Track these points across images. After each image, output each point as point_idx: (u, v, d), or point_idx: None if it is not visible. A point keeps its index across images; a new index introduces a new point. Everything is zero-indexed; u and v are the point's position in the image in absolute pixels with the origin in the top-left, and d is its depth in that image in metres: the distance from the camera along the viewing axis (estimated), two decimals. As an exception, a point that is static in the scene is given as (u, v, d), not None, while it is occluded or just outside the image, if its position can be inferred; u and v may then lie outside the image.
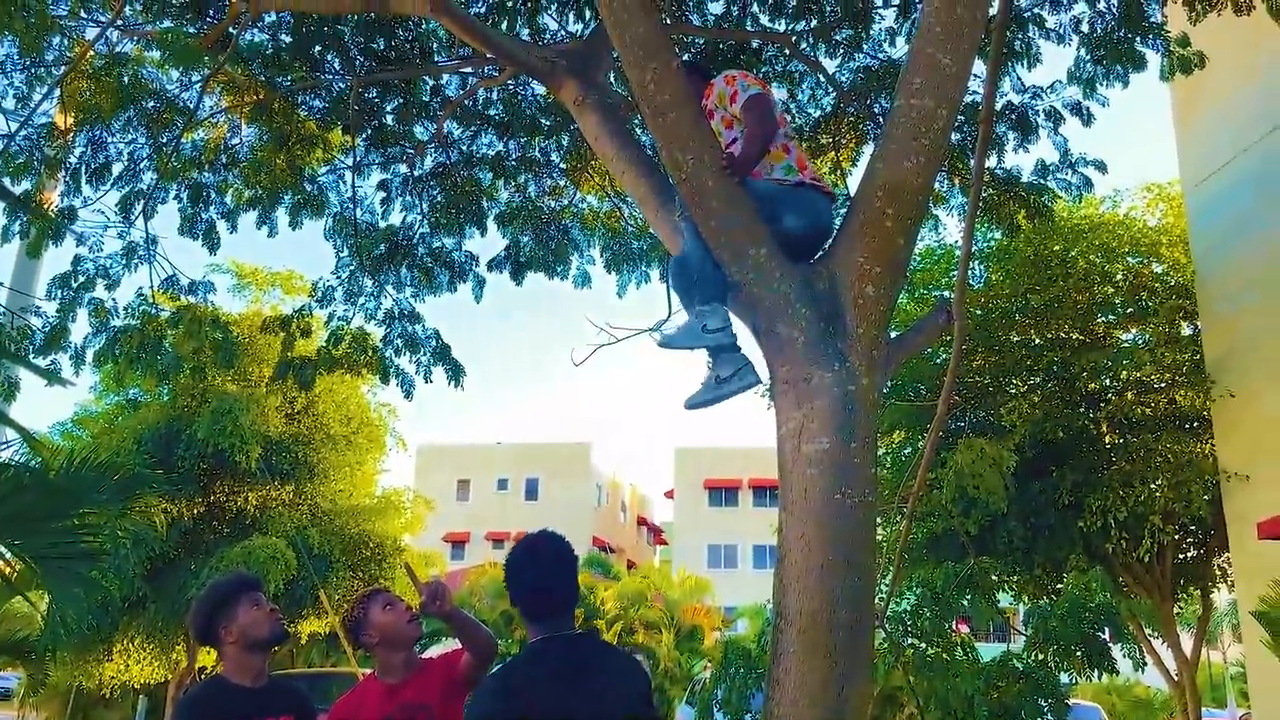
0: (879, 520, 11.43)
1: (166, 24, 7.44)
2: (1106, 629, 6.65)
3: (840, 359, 3.42)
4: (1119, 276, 11.26)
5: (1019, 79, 8.37)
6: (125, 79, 7.81)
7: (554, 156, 9.49)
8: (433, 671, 3.32)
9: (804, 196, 3.76)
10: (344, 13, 7.09)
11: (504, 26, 7.94)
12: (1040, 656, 6.58)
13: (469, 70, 8.21)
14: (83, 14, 7.94)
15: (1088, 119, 8.20)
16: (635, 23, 3.35)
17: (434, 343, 8.77)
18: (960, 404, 11.82)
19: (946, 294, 11.93)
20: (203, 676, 14.98)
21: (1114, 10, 7.75)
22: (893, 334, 3.77)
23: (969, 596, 6.52)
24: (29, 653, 8.14)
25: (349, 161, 9.03)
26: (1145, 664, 6.64)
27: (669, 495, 51.17)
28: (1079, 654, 6.53)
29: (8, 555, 4.80)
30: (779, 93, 8.94)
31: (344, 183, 9.18)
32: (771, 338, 3.50)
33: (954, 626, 7.39)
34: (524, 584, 2.60)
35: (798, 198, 3.74)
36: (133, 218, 8.27)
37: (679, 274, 3.63)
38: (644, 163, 4.53)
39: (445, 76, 8.73)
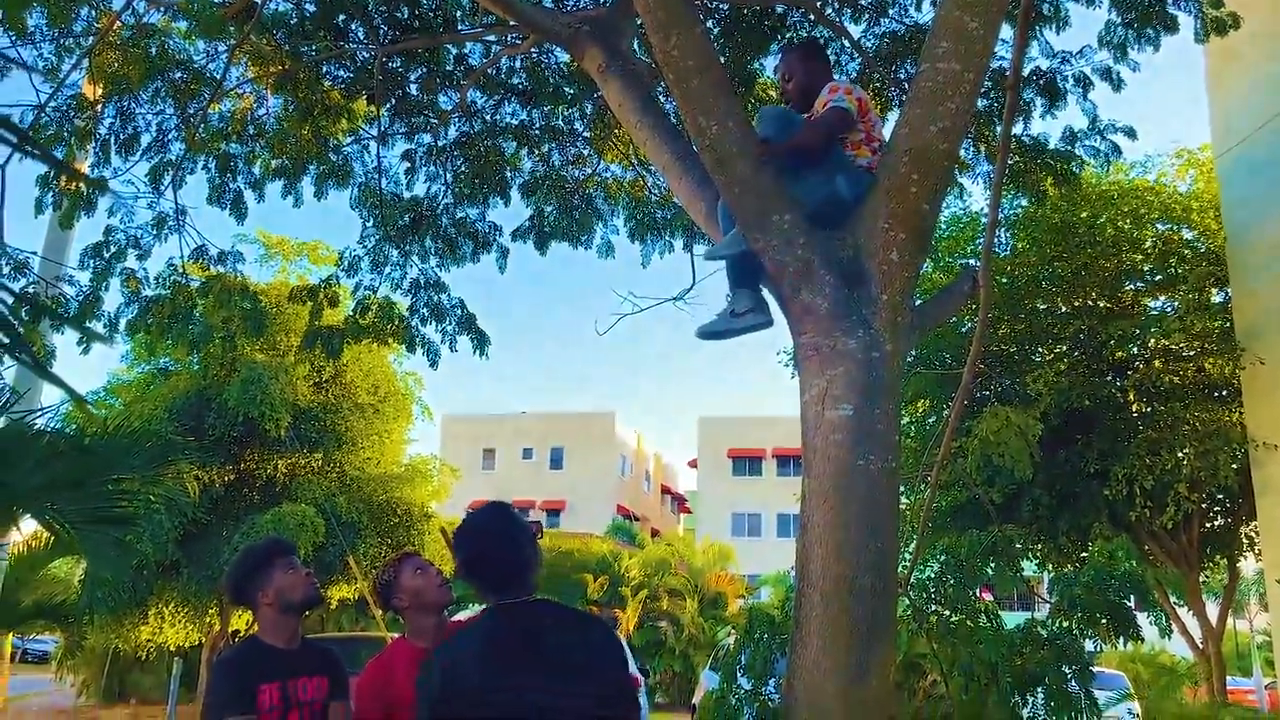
0: (904, 489, 11.46)
1: (192, -7, 7.46)
2: (1132, 597, 6.63)
3: (864, 325, 3.42)
4: (1148, 243, 11.13)
5: (1048, 43, 8.25)
6: (153, 50, 7.86)
7: (578, 125, 9.45)
8: None
9: (864, 175, 3.71)
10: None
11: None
12: (1065, 624, 6.57)
13: (492, 39, 8.20)
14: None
15: (1118, 84, 8.08)
16: (660, -10, 3.34)
17: (459, 312, 8.81)
18: (986, 372, 11.76)
19: (973, 262, 11.84)
20: (236, 639, 15.27)
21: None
22: (917, 302, 3.77)
23: (992, 564, 6.52)
24: (66, 617, 8.33)
25: (373, 132, 9.05)
26: (1171, 632, 6.62)
27: (693, 464, 51.34)
28: (1104, 621, 6.52)
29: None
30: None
31: (368, 153, 9.21)
32: (795, 304, 3.50)
33: (979, 594, 7.42)
34: (471, 556, 2.57)
35: (859, 174, 3.70)
36: (162, 188, 8.35)
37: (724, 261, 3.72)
38: (667, 130, 4.52)
39: (469, 45, 8.72)
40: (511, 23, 6.31)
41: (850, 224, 3.58)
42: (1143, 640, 6.42)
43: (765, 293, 3.75)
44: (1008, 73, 5.77)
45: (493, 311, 16.73)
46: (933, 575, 6.76)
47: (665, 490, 58.30)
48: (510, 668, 2.32)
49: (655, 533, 45.38)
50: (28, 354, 0.96)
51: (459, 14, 8.15)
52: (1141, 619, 6.78)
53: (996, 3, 3.51)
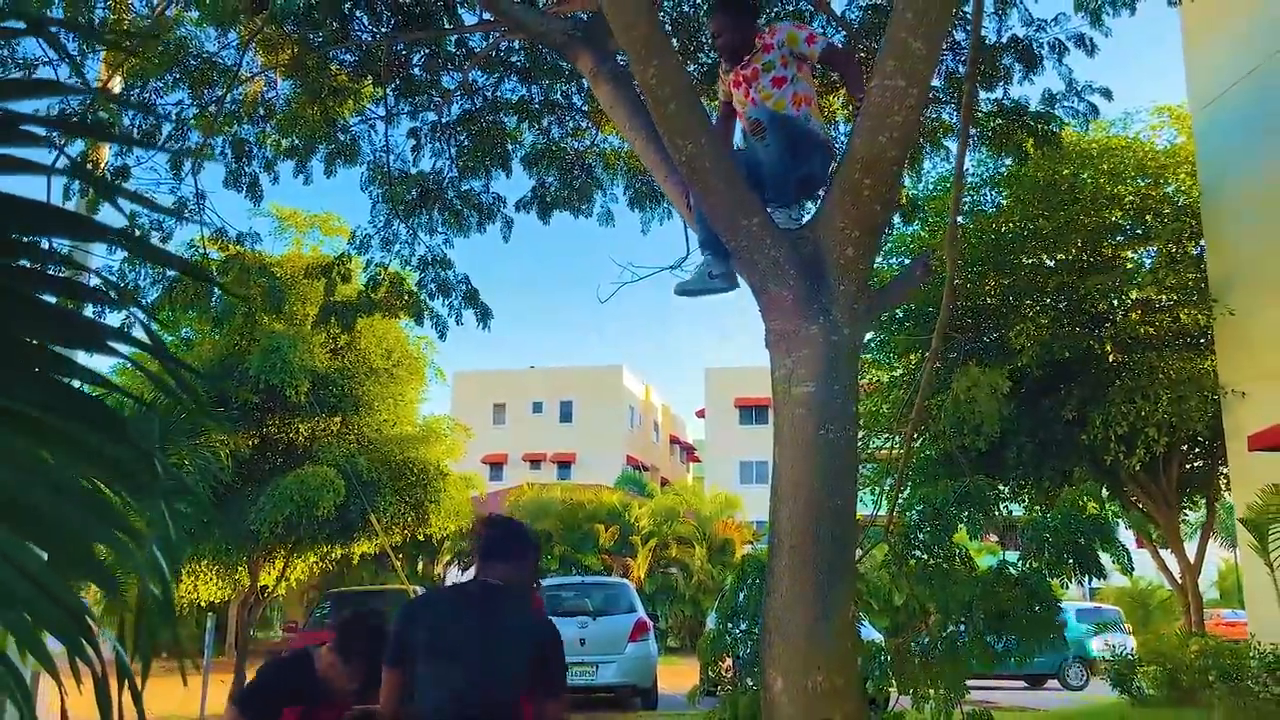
0: (895, 439, 12.00)
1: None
2: (1097, 538, 7.19)
3: (825, 313, 3.93)
4: (1127, 199, 11.54)
5: (1026, 10, 8.61)
6: (169, 43, 8.26)
7: (576, 99, 9.82)
8: None
9: (831, 149, 4.34)
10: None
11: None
12: (1034, 565, 7.15)
13: (491, 29, 8.58)
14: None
15: (1091, 50, 8.45)
16: (638, 25, 3.80)
17: (464, 287, 9.30)
18: (974, 325, 12.27)
19: (959, 219, 12.27)
20: (263, 595, 15.99)
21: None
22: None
23: (967, 512, 7.08)
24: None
25: (380, 112, 9.46)
26: (1132, 570, 7.20)
27: (700, 414, 52.01)
28: (1070, 562, 7.10)
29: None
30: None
31: (375, 132, 9.61)
32: (765, 295, 4.01)
33: (982, 536, 8.03)
34: (478, 541, 3.26)
35: (817, 151, 4.33)
36: (182, 175, 8.81)
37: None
38: (654, 131, 4.98)
39: (468, 22, 9.10)
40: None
41: (810, 223, 4.07)
42: (1105, 577, 6.98)
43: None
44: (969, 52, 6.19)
45: (500, 264, 17.21)
46: (913, 521, 7.34)
47: (674, 440, 59.08)
48: (451, 622, 3.03)
49: (665, 482, 46.18)
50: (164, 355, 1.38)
51: (459, 1, 8.55)
52: (1106, 559, 7.36)
53: (937, 26, 3.96)
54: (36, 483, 1.33)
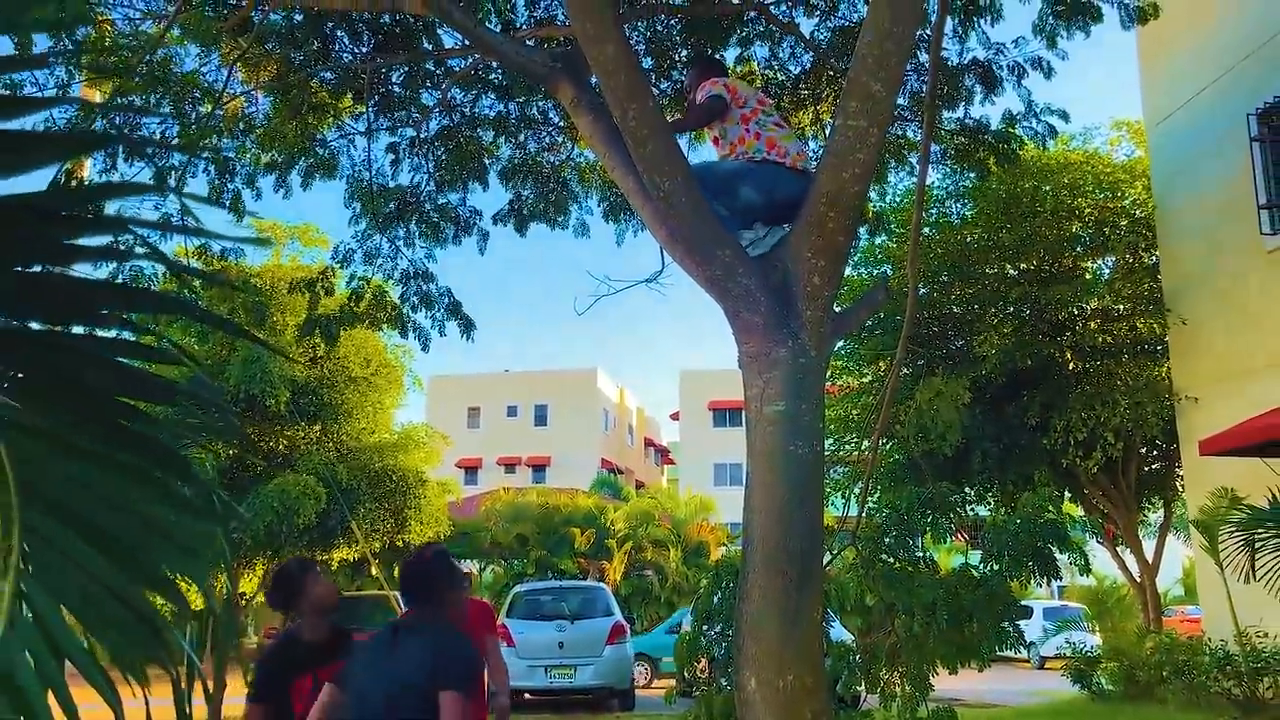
0: (859, 443, 12.35)
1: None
2: (1055, 541, 7.54)
3: (794, 337, 4.21)
4: (1086, 211, 11.95)
5: (985, 34, 8.95)
6: (151, 58, 8.42)
7: (552, 114, 10.06)
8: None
9: (766, 170, 4.61)
10: (355, 10, 7.70)
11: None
12: (995, 567, 7.49)
13: (472, 53, 8.81)
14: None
15: (1049, 73, 8.82)
16: (619, 72, 4.07)
17: (446, 300, 9.51)
18: (940, 333, 12.64)
19: (923, 232, 12.64)
20: (243, 604, 16.10)
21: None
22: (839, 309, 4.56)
23: (931, 516, 7.40)
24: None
25: (359, 127, 9.65)
26: (1089, 571, 7.56)
27: (675, 417, 52.33)
28: (1029, 564, 7.44)
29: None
30: (761, 51, 9.57)
31: (354, 146, 9.80)
32: (738, 320, 4.29)
33: (955, 534, 8.35)
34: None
35: (760, 171, 4.60)
36: (166, 192, 8.96)
37: None
38: (631, 160, 5.24)
39: (448, 45, 9.33)
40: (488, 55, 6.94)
41: (779, 252, 4.35)
42: (1060, 578, 7.33)
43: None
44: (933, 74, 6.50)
45: (473, 265, 17.42)
46: (881, 524, 7.66)
47: (649, 443, 59.37)
48: (360, 663, 3.32)
49: (640, 485, 46.45)
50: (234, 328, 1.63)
51: (439, 22, 8.76)
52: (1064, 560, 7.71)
53: (895, 70, 4.25)
54: (117, 512, 1.60)
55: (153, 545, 1.61)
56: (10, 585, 1.47)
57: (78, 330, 1.58)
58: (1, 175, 1.32)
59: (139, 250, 1.49)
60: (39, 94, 8.50)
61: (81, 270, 1.63)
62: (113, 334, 1.66)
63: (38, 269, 1.51)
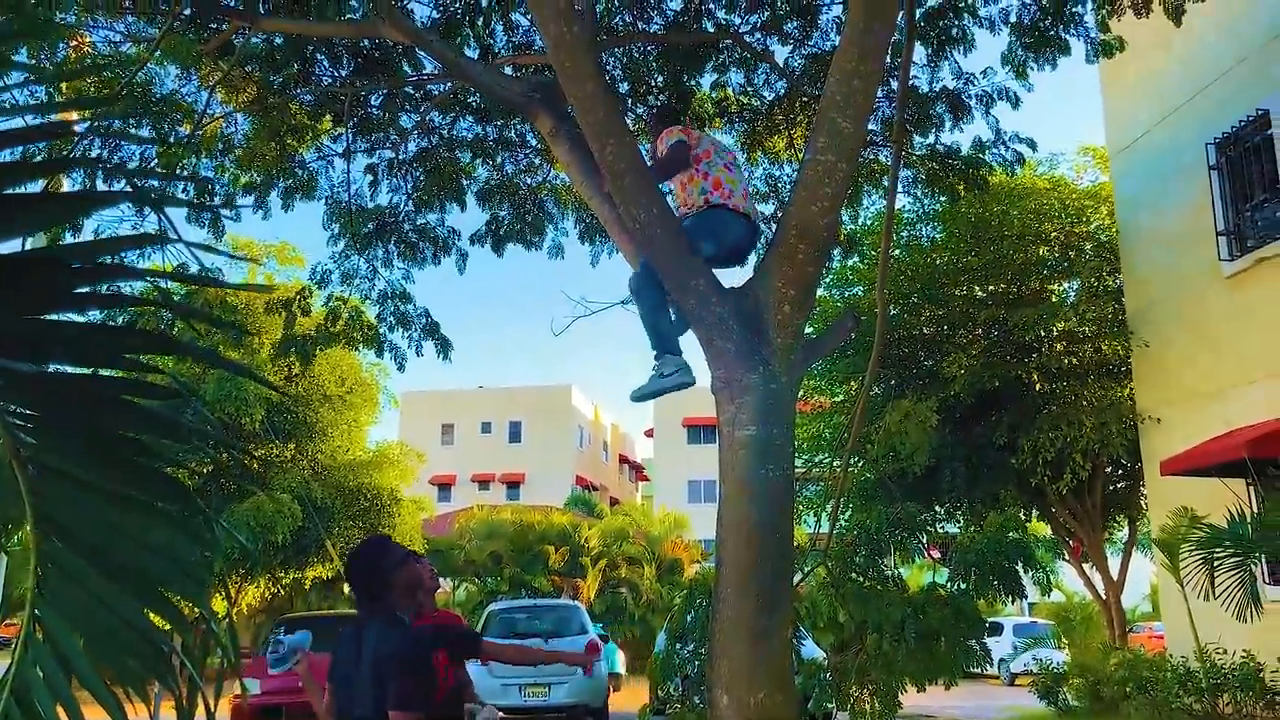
0: (831, 462, 12.51)
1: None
2: (1019, 560, 7.71)
3: (764, 364, 4.35)
4: (1053, 235, 12.23)
5: (956, 64, 9.18)
6: (132, 81, 8.48)
7: (529, 137, 10.19)
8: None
9: (711, 217, 4.75)
10: (336, 36, 7.81)
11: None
12: (962, 585, 7.65)
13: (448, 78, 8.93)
14: (89, 20, 8.62)
15: (1016, 103, 9.07)
16: (597, 108, 4.21)
17: (424, 320, 9.59)
18: (910, 354, 12.87)
19: (899, 253, 12.88)
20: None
21: (1040, 1, 8.56)
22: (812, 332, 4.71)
23: (899, 536, 7.55)
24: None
25: (338, 148, 9.74)
26: (1052, 589, 7.74)
27: (649, 434, 52.42)
28: (995, 583, 7.61)
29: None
30: (736, 77, 9.77)
31: (333, 168, 9.88)
32: (711, 348, 4.43)
33: (926, 551, 8.50)
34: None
35: (706, 220, 4.74)
36: (145, 211, 9.00)
37: (641, 307, 4.63)
38: (607, 193, 5.38)
39: (428, 69, 9.45)
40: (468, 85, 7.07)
41: (750, 282, 4.50)
42: (1025, 597, 7.50)
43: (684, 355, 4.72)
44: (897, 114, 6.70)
45: (449, 281, 17.50)
46: (847, 546, 7.81)
47: (623, 460, 59.40)
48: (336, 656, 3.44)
49: (614, 501, 46.45)
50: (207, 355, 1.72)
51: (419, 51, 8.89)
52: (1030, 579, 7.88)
53: (863, 108, 4.42)
54: (125, 541, 1.72)
55: (158, 571, 1.73)
56: (27, 609, 1.59)
57: (86, 371, 1.69)
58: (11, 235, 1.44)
59: (149, 297, 1.60)
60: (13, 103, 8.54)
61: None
62: (117, 374, 1.78)
63: (52, 316, 1.62)
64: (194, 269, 7.86)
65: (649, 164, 4.84)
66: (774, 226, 5.66)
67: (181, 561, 1.76)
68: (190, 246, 1.86)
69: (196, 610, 1.80)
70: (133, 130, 8.98)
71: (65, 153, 8.90)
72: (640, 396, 4.80)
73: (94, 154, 9.00)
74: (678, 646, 7.20)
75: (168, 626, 1.83)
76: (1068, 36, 8.62)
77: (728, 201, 4.81)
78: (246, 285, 7.85)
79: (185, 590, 1.75)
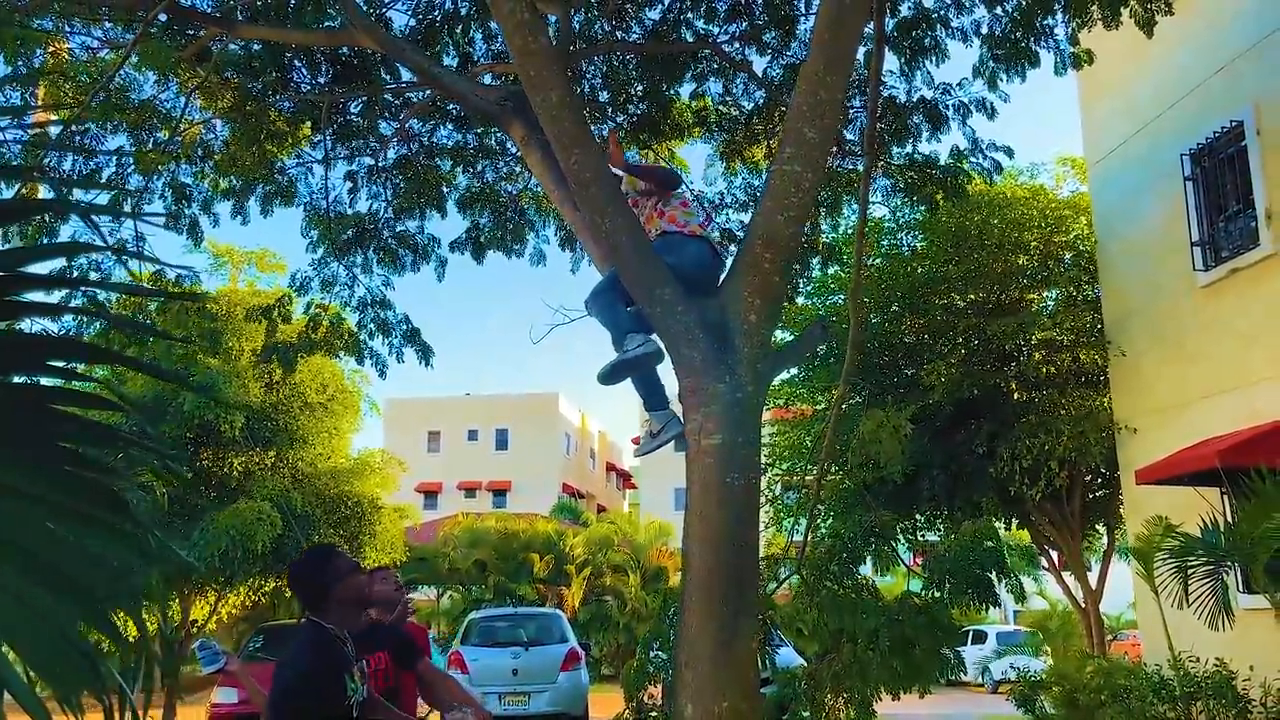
0: (811, 469, 12.53)
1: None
2: (993, 570, 7.76)
3: (731, 373, 4.37)
4: (1032, 245, 12.31)
5: (929, 74, 9.23)
6: (108, 87, 8.46)
7: (509, 145, 10.20)
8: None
9: (669, 239, 4.83)
10: (312, 44, 7.82)
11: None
12: (937, 594, 7.68)
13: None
14: (66, 26, 8.61)
15: (991, 114, 9.12)
16: (563, 119, 4.23)
17: (404, 326, 9.58)
18: (890, 362, 12.93)
19: (879, 262, 12.95)
20: (194, 631, 15.91)
21: (1010, 14, 8.63)
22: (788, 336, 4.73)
23: (873, 545, 7.59)
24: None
25: (317, 155, 9.72)
26: (1025, 597, 7.76)
27: (636, 441, 52.39)
28: (969, 591, 7.64)
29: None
30: (715, 87, 9.82)
31: (312, 174, 9.86)
32: (677, 356, 4.44)
33: (913, 560, 8.55)
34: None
35: (663, 241, 4.77)
36: (122, 217, 8.98)
37: (596, 309, 4.65)
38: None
39: (406, 77, 9.46)
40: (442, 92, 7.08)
41: (718, 292, 4.52)
42: (998, 604, 7.54)
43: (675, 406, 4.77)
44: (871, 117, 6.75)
45: (432, 288, 17.49)
46: (824, 552, 7.83)
47: (610, 467, 59.36)
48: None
49: (601, 509, 46.39)
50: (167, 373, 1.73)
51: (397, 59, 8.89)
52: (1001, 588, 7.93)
53: (829, 118, 4.46)
54: (61, 551, 1.71)
55: (93, 582, 1.72)
56: (-44, 620, 1.58)
57: (20, 379, 1.69)
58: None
59: (88, 305, 1.60)
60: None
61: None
62: (55, 383, 1.78)
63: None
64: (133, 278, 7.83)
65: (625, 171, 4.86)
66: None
67: (120, 574, 1.75)
68: (145, 220, 1.85)
69: (131, 624, 1.79)
70: (109, 135, 8.98)
71: (39, 158, 8.90)
72: (642, 454, 4.97)
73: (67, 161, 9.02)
74: (651, 655, 7.20)
75: (103, 639, 1.82)
76: (1038, 49, 8.69)
77: (683, 229, 4.81)
78: (182, 295, 7.80)
79: (122, 605, 1.75)
